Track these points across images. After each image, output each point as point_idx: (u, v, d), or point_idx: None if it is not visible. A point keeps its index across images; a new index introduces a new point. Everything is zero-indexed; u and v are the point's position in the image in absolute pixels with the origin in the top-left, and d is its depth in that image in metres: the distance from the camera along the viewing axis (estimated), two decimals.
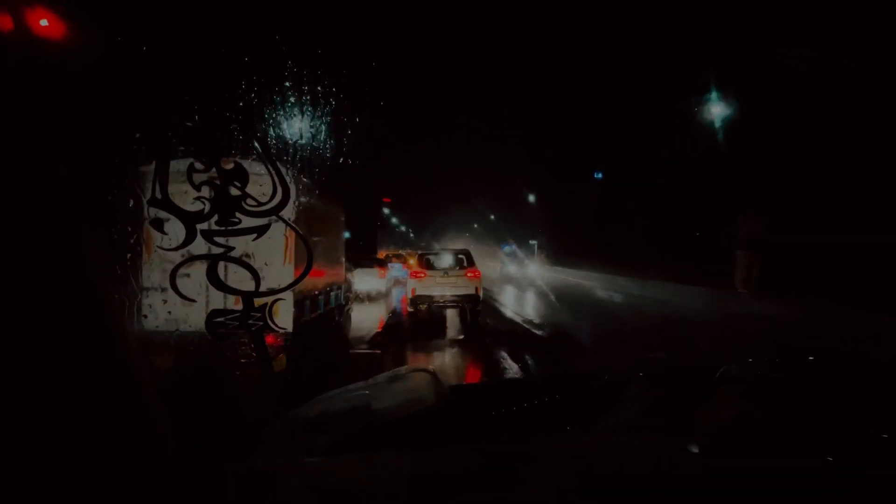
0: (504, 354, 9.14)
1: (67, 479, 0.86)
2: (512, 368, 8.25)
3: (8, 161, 0.85)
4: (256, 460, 1.28)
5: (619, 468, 1.23)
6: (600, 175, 30.37)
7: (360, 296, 13.97)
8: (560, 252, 36.22)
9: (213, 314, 1.19)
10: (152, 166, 1.15)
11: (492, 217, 53.33)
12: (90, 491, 0.86)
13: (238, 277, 1.23)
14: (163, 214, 1.14)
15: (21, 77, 0.87)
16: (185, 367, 1.92)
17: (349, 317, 11.11)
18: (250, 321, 1.20)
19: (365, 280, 14.97)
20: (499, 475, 1.18)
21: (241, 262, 1.17)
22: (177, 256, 1.16)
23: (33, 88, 0.89)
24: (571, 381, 2.54)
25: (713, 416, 1.60)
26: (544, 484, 1.14)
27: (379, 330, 11.46)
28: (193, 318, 1.52)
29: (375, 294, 16.15)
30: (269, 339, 1.41)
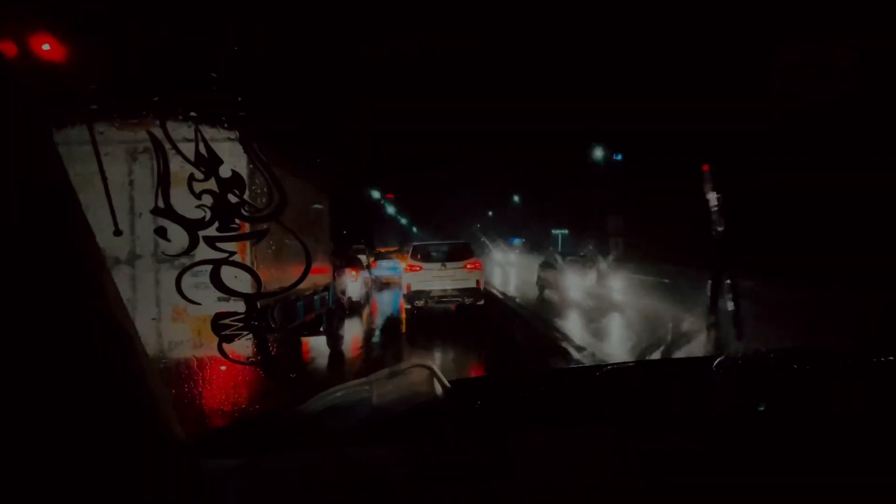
0: None
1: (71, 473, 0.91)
2: None
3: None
4: (263, 454, 1.34)
5: (618, 460, 1.27)
6: (620, 157, 27.42)
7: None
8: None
9: (218, 316, 1.25)
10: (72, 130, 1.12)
11: (515, 198, 46.95)
12: (96, 484, 0.91)
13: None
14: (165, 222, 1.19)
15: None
16: None
17: (341, 324, 9.54)
18: (253, 322, 1.26)
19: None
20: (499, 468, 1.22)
21: (245, 267, 1.22)
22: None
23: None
24: (569, 375, 2.58)
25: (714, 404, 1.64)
26: (542, 477, 1.18)
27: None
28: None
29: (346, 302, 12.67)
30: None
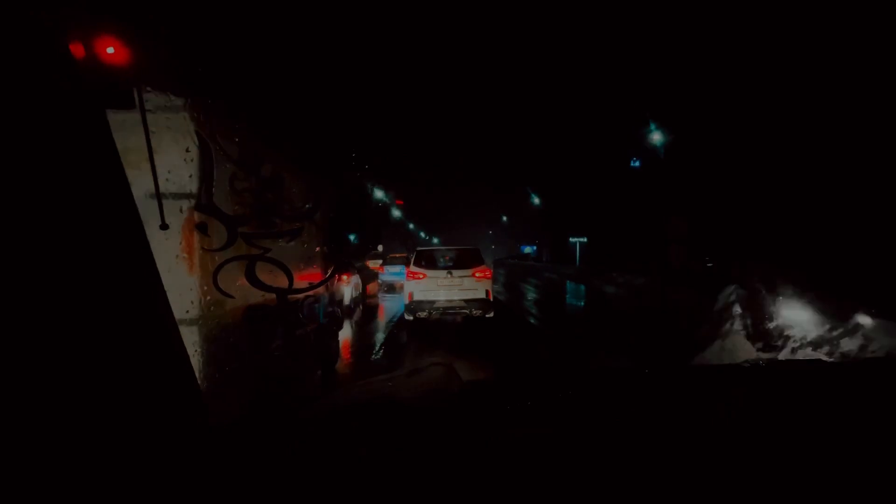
0: None
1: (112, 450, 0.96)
2: None
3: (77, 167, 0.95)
4: (289, 443, 1.38)
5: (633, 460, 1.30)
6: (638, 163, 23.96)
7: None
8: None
9: (251, 308, 1.30)
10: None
11: (536, 200, 40.70)
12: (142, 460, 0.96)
13: None
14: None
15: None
16: None
17: (335, 341, 8.24)
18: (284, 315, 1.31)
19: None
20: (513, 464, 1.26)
21: (278, 263, 1.27)
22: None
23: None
24: (583, 377, 2.62)
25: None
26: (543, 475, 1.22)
27: None
28: None
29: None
30: None
